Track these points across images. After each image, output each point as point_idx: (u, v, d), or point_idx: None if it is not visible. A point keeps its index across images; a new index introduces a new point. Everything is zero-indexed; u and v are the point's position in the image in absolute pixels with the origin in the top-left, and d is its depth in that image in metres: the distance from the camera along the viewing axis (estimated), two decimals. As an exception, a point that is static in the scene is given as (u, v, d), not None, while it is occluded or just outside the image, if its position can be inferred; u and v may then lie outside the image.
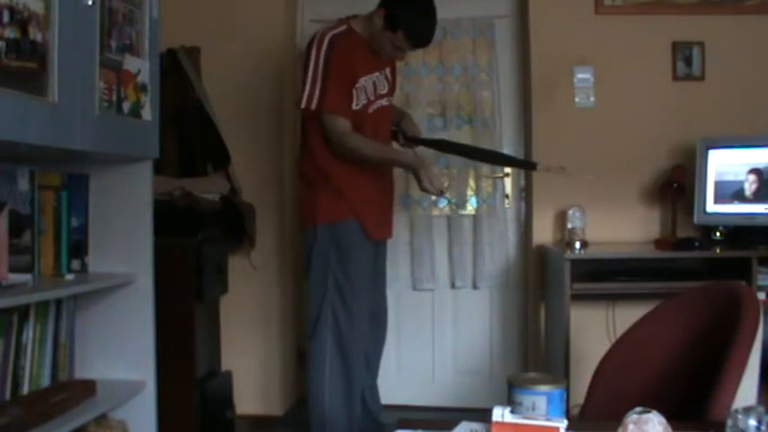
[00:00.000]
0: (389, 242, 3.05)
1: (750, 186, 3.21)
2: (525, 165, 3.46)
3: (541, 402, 1.40)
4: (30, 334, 2.04)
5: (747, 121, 3.40)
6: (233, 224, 3.36)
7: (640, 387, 1.86)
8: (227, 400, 3.28)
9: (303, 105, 2.66)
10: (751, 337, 1.60)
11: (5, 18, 1.57)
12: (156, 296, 2.31)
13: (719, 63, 3.48)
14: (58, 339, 2.17)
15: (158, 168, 2.54)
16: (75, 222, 2.26)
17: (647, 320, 1.97)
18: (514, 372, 3.62)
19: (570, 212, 3.36)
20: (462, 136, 3.73)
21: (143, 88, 2.19)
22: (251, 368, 3.59)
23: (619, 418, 1.29)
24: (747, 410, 1.28)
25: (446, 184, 2.74)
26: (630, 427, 1.26)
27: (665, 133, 3.49)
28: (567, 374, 2.95)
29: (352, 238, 2.73)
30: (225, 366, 3.35)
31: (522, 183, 3.77)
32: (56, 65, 1.74)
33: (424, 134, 3.39)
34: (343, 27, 2.72)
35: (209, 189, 3.24)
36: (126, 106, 2.11)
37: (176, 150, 3.31)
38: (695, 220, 3.29)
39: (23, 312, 2.01)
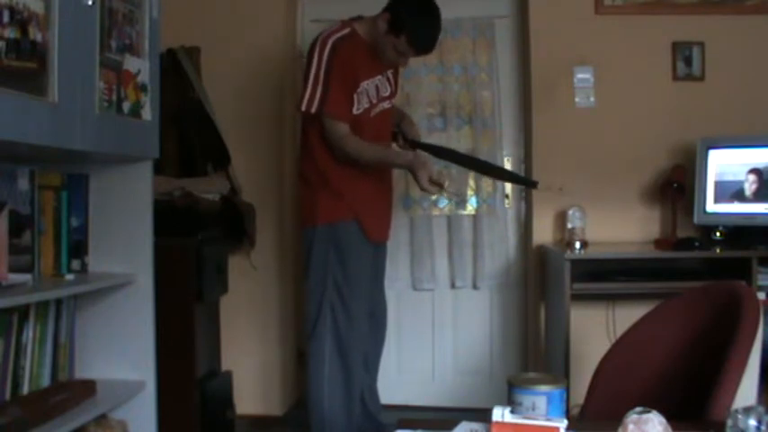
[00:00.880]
0: (390, 242, 3.05)
1: (750, 186, 3.21)
2: (526, 182, 3.45)
3: (541, 402, 1.40)
4: (30, 334, 2.04)
5: (747, 121, 3.40)
6: (233, 224, 3.36)
7: (640, 387, 1.86)
8: (227, 400, 3.28)
9: (303, 108, 2.66)
10: (751, 337, 1.60)
11: (5, 18, 1.57)
12: (156, 296, 2.31)
13: (719, 63, 3.48)
14: (58, 339, 2.17)
15: (158, 168, 2.54)
16: (75, 222, 2.26)
17: (647, 320, 1.97)
18: (514, 372, 3.62)
19: (570, 212, 3.36)
20: (462, 136, 3.73)
21: (143, 88, 2.19)
22: (251, 368, 3.59)
23: (619, 418, 1.29)
24: (747, 410, 1.28)
25: (446, 183, 2.74)
26: (630, 427, 1.26)
27: (665, 133, 3.49)
28: (567, 374, 2.95)
29: (351, 238, 2.73)
30: (225, 366, 3.35)
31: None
32: (56, 65, 1.74)
33: (424, 134, 3.41)
34: (347, 30, 2.72)
35: (209, 189, 3.24)
36: (126, 106, 2.11)
37: (176, 150, 3.31)
38: (695, 220, 3.29)
39: (23, 312, 2.01)
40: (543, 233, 3.57)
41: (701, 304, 1.89)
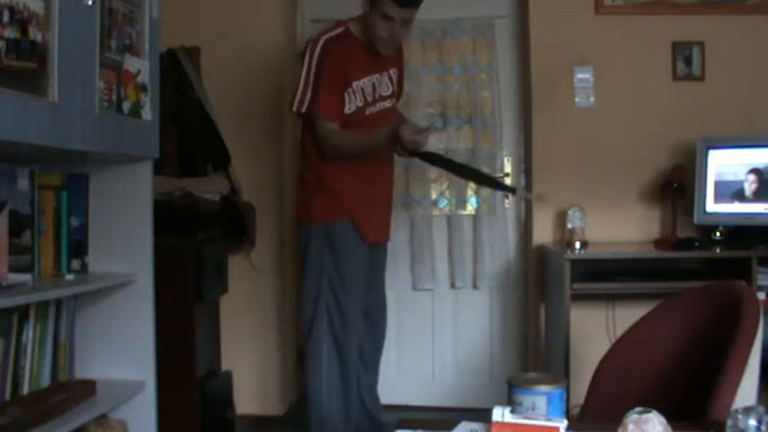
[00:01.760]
0: (390, 242, 3.04)
1: (750, 186, 3.21)
2: (506, 189, 3.45)
3: (541, 402, 1.40)
4: (30, 334, 2.04)
5: (747, 121, 3.40)
6: (233, 224, 3.36)
7: (640, 387, 1.86)
8: (227, 400, 3.28)
9: (294, 108, 2.70)
10: (751, 337, 1.60)
11: (5, 18, 1.57)
12: (156, 296, 2.31)
13: (719, 63, 3.48)
14: (58, 339, 2.17)
15: (158, 168, 2.54)
16: (75, 222, 2.26)
17: (647, 320, 1.97)
18: (514, 372, 3.62)
19: (570, 212, 3.36)
20: (462, 136, 3.74)
21: (143, 88, 2.19)
22: (251, 368, 3.59)
23: (619, 418, 1.29)
24: (747, 410, 1.28)
25: (427, 126, 2.74)
26: (630, 427, 1.26)
27: (665, 133, 3.49)
28: (567, 374, 2.95)
29: (346, 239, 2.73)
30: (225, 366, 3.35)
31: (522, 183, 3.77)
32: (56, 65, 1.74)
33: (424, 134, 3.41)
34: (340, 29, 2.72)
35: (209, 189, 3.24)
36: (126, 106, 2.11)
37: (176, 150, 3.31)
38: (695, 220, 3.29)
39: (23, 312, 2.01)
40: (543, 233, 3.57)
41: (701, 304, 1.89)
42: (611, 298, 3.42)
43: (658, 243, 3.38)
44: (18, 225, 2.03)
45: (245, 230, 3.43)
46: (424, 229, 3.74)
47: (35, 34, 1.67)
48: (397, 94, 2.98)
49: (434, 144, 3.71)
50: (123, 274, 2.27)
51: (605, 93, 3.53)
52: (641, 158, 3.51)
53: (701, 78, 3.50)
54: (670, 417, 1.30)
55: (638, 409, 1.29)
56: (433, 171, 3.77)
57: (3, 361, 1.93)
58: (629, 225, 3.51)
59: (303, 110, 2.67)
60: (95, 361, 2.27)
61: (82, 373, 2.26)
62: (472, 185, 3.73)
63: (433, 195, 3.79)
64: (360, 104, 2.74)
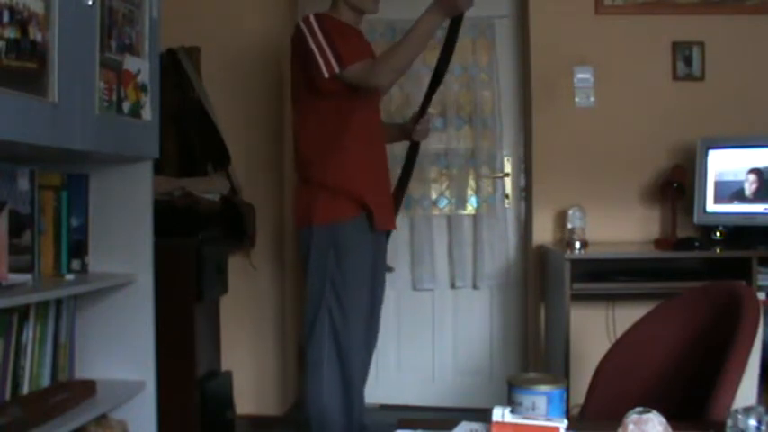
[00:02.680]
0: (390, 242, 3.03)
1: (750, 186, 3.21)
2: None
3: (541, 402, 1.40)
4: (30, 334, 2.03)
5: (747, 121, 3.40)
6: (233, 224, 3.36)
7: (640, 387, 1.86)
8: (227, 400, 3.28)
9: (327, 74, 2.56)
10: (751, 337, 1.60)
11: (5, 18, 1.57)
12: (156, 296, 2.30)
13: (719, 63, 3.48)
14: (58, 339, 2.17)
15: (158, 168, 2.54)
16: (75, 222, 2.26)
17: (647, 320, 1.97)
18: (514, 372, 3.62)
19: (570, 212, 3.36)
20: (462, 136, 3.75)
21: (143, 88, 2.19)
22: (251, 368, 3.59)
23: (619, 418, 1.29)
24: (747, 410, 1.28)
25: None
26: (630, 427, 1.26)
27: (665, 133, 3.49)
28: (567, 374, 2.95)
29: (351, 237, 2.69)
30: (225, 366, 3.35)
31: (522, 183, 3.77)
32: (56, 65, 1.74)
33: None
34: (321, 14, 2.70)
35: (209, 189, 3.24)
36: (126, 106, 2.11)
37: (176, 150, 3.31)
38: (695, 220, 3.29)
39: (23, 312, 2.01)
40: (543, 233, 3.58)
41: (701, 304, 1.89)
42: (611, 298, 3.42)
43: (658, 243, 3.38)
44: (18, 225, 2.03)
45: (245, 230, 3.43)
46: (424, 229, 3.74)
47: (35, 34, 1.67)
48: None
49: (434, 144, 3.74)
50: (123, 274, 2.26)
51: (605, 93, 3.53)
52: (641, 158, 3.51)
53: (701, 78, 3.50)
54: (670, 417, 1.30)
55: (638, 409, 1.29)
56: (433, 171, 3.78)
57: (3, 361, 1.93)
58: (629, 225, 3.51)
59: (336, 69, 2.55)
60: (95, 361, 2.27)
61: (82, 373, 2.26)
62: (472, 185, 3.74)
63: (433, 195, 3.79)
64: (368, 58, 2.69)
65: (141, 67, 2.18)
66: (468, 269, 3.76)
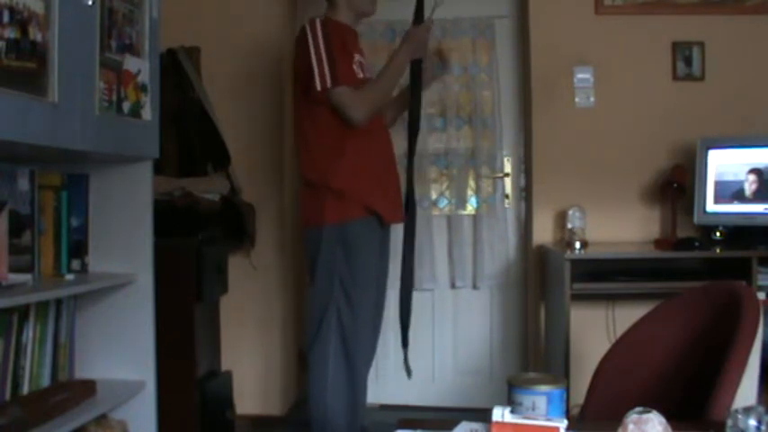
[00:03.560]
0: (391, 243, 3.04)
1: (750, 186, 3.21)
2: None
3: (541, 402, 1.40)
4: (30, 334, 2.04)
5: (747, 121, 3.40)
6: (233, 224, 3.36)
7: (640, 387, 1.86)
8: (227, 400, 3.28)
9: (320, 87, 2.62)
10: (751, 337, 1.59)
11: (5, 18, 1.57)
12: (156, 296, 2.30)
13: (719, 63, 3.48)
14: (58, 339, 2.17)
15: (158, 168, 2.54)
16: (75, 222, 2.26)
17: (647, 320, 1.97)
18: (514, 372, 3.62)
19: (570, 212, 3.36)
20: (462, 136, 3.75)
21: (143, 88, 2.19)
22: (251, 368, 3.59)
23: (619, 418, 1.29)
24: (747, 410, 1.28)
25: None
26: (630, 427, 1.26)
27: (665, 133, 3.49)
28: (567, 374, 2.95)
29: (360, 236, 2.68)
30: (225, 366, 3.35)
31: (522, 183, 3.77)
32: (56, 65, 1.74)
33: (424, 134, 3.42)
34: (321, 18, 2.73)
35: (209, 189, 3.24)
36: (126, 106, 2.11)
37: (176, 150, 3.31)
38: (695, 220, 3.29)
39: (23, 312, 2.01)
40: (543, 233, 3.57)
41: (701, 304, 1.89)
42: (611, 298, 3.42)
43: (658, 243, 3.38)
44: (18, 225, 2.03)
45: (246, 230, 3.43)
46: (424, 229, 3.73)
47: (35, 34, 1.67)
48: None
49: (435, 144, 3.74)
50: (123, 274, 2.27)
51: (605, 93, 3.53)
52: (641, 158, 3.51)
53: (701, 78, 3.50)
54: (670, 417, 1.30)
55: (638, 409, 1.29)
56: (433, 171, 3.78)
57: (3, 361, 1.93)
58: (629, 225, 3.51)
59: (328, 85, 2.61)
60: (95, 361, 2.27)
61: (82, 373, 2.26)
62: (472, 185, 3.74)
63: (433, 195, 3.79)
64: (360, 77, 2.74)
65: (141, 67, 2.19)
66: (468, 269, 3.76)
